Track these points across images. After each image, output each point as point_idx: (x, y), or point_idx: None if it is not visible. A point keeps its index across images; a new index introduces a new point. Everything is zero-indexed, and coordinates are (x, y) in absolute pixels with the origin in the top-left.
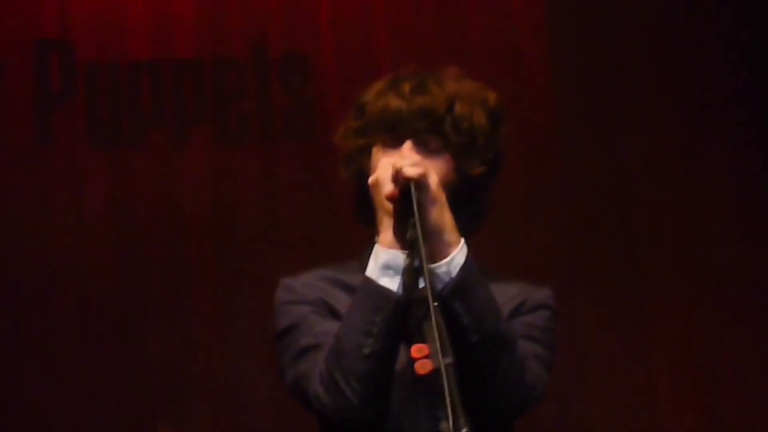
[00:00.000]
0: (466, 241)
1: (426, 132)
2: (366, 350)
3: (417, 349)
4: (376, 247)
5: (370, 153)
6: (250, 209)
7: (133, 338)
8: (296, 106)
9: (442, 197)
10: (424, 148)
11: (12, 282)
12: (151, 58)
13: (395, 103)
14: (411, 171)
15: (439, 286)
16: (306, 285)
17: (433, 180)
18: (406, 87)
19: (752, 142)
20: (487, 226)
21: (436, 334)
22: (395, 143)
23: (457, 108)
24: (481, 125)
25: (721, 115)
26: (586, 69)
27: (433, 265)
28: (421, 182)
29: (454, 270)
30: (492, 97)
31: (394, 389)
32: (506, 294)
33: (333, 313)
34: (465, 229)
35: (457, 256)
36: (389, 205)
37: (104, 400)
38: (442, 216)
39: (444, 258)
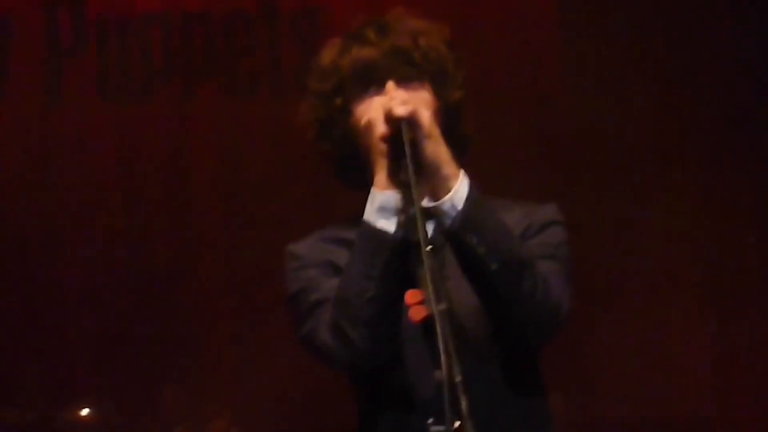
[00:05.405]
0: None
1: (401, 68)
2: (369, 294)
3: (411, 295)
4: (372, 190)
5: (350, 113)
6: (258, 162)
7: (140, 292)
8: (307, 59)
9: (435, 131)
10: (405, 84)
11: (19, 234)
12: (161, 11)
13: (365, 51)
14: (401, 109)
15: (448, 221)
16: (310, 249)
17: (425, 115)
18: (370, 33)
19: None
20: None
21: (429, 280)
22: (376, 90)
23: (422, 41)
24: (446, 53)
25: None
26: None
27: (438, 202)
28: (412, 119)
29: (459, 202)
30: (442, 28)
31: (403, 338)
32: (511, 220)
33: (339, 272)
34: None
35: (459, 188)
36: (383, 146)
37: (110, 348)
38: (438, 150)
39: (446, 193)
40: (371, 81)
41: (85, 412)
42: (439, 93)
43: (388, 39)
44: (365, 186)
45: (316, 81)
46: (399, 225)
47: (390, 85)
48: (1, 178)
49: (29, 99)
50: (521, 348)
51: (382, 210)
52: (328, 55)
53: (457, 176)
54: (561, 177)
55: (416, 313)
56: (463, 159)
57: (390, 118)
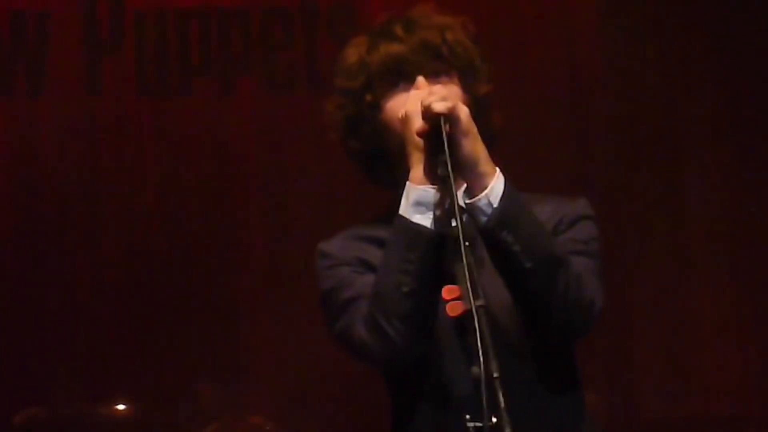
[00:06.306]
0: None
1: (430, 63)
2: (405, 289)
3: (448, 291)
4: (408, 184)
5: (379, 109)
6: (296, 158)
7: (177, 286)
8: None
9: (473, 129)
10: (434, 79)
11: (58, 227)
12: (199, 6)
13: (393, 47)
14: (440, 106)
15: (483, 218)
16: (341, 247)
17: (464, 112)
18: (398, 30)
19: None
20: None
21: (467, 276)
22: (405, 86)
23: (449, 35)
24: (472, 47)
25: None
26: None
27: (473, 199)
28: (451, 116)
29: (495, 200)
30: (465, 22)
31: (437, 334)
32: (541, 215)
33: (370, 269)
34: None
35: (495, 185)
36: (419, 141)
37: (147, 344)
38: (475, 147)
39: (482, 190)
40: (401, 77)
41: (120, 407)
42: (467, 87)
43: (415, 35)
44: (393, 183)
45: (343, 79)
46: (436, 220)
47: (420, 80)
48: (39, 171)
49: (68, 93)
50: (555, 344)
51: (418, 205)
52: (354, 52)
53: (493, 174)
54: (595, 165)
55: (453, 309)
56: (491, 153)
57: (429, 114)
